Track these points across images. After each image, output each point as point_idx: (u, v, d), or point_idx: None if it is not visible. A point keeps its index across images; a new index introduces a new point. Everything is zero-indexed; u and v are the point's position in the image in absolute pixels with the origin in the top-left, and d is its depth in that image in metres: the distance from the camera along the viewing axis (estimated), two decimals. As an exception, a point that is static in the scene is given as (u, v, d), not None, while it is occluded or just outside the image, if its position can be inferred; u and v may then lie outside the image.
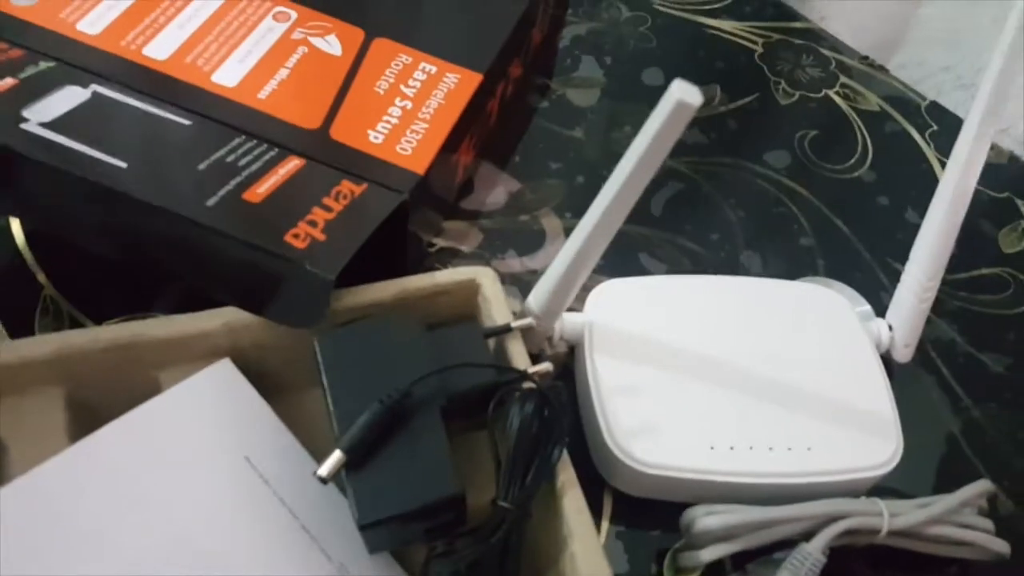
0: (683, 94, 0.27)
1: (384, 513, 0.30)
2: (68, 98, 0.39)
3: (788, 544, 0.36)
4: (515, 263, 0.47)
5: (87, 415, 0.35)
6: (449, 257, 0.47)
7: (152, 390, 0.35)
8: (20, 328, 0.41)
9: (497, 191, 0.50)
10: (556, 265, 0.36)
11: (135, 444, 0.33)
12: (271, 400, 0.36)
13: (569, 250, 0.35)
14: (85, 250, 0.39)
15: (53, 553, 0.30)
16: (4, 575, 0.29)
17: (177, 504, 0.32)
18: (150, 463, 0.33)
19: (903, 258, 0.42)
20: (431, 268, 0.39)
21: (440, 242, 0.47)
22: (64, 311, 0.42)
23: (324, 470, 0.30)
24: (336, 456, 0.30)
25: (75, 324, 0.41)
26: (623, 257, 0.48)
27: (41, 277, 0.43)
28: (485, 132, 0.49)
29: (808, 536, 0.36)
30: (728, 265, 0.49)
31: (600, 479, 0.40)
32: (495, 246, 0.47)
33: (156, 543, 0.31)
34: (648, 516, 0.39)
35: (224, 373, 0.36)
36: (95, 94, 0.40)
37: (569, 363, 0.42)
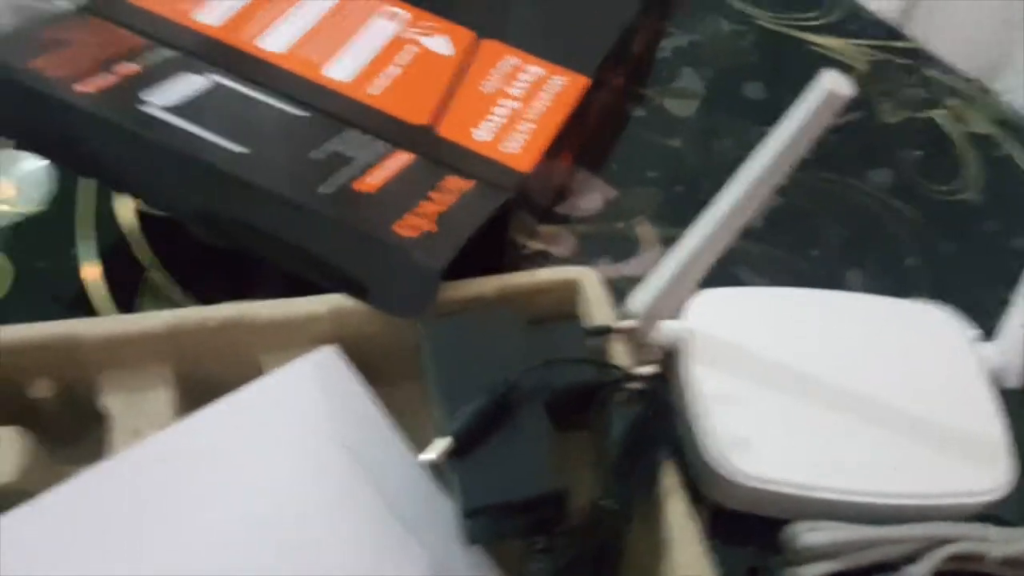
0: (833, 84, 0.26)
1: (490, 500, 0.30)
2: (187, 85, 0.40)
3: (889, 567, 0.35)
4: (609, 269, 0.46)
5: (193, 392, 0.35)
6: (542, 260, 0.46)
7: (257, 372, 0.35)
8: (121, 310, 0.42)
9: (593, 196, 0.49)
10: (669, 263, 0.35)
11: (236, 425, 0.34)
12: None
13: (688, 245, 0.34)
14: (192, 235, 0.40)
15: (150, 527, 0.31)
16: (107, 545, 0.30)
17: (273, 487, 0.32)
18: (250, 445, 0.33)
19: (1011, 282, 0.40)
20: (523, 270, 0.39)
21: (533, 245, 0.47)
22: (166, 295, 0.42)
23: (432, 453, 0.30)
24: (445, 441, 0.30)
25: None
26: (722, 270, 0.46)
27: (149, 259, 0.43)
28: (585, 138, 0.49)
29: (910, 559, 0.35)
30: (829, 282, 0.48)
31: (694, 492, 0.39)
32: (589, 251, 0.47)
33: (251, 524, 0.31)
34: (742, 532, 0.38)
35: (329, 359, 0.36)
36: (212, 82, 0.41)
37: (663, 371, 0.41)
